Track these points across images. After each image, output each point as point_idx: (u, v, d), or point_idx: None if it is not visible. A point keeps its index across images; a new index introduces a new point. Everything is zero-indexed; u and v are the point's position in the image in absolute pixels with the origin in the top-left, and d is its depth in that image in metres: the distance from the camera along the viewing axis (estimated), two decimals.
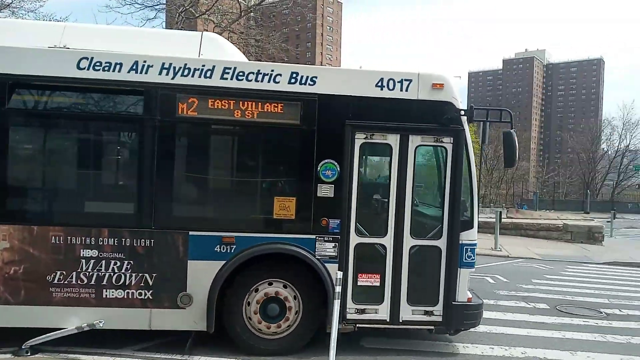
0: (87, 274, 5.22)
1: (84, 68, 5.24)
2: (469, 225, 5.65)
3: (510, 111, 5.77)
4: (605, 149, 77.09)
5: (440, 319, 5.63)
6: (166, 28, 22.06)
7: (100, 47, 5.54)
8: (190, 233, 5.31)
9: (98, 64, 5.26)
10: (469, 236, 5.63)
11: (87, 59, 5.25)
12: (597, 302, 9.17)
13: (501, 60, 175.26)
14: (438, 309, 5.62)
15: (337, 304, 4.92)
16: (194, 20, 24.49)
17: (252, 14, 26.69)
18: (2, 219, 5.15)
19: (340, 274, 5.03)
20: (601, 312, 8.36)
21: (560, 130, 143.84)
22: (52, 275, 5.19)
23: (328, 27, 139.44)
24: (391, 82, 5.53)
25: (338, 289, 4.94)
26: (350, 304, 5.54)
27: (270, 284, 5.54)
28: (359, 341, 6.00)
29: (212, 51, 5.84)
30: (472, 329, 6.11)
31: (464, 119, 5.59)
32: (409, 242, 5.57)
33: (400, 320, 5.61)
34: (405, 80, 5.54)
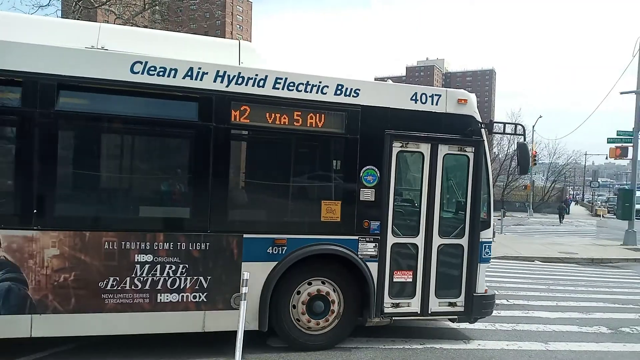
0: (142, 279, 5.20)
1: (138, 72, 5.21)
2: (486, 225, 6.38)
3: (523, 125, 6.62)
4: (496, 153, 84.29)
5: (462, 309, 6.30)
6: (62, 17, 20.79)
7: (136, 50, 5.50)
8: (245, 236, 5.49)
9: (152, 68, 5.25)
10: (486, 235, 6.37)
11: (141, 63, 5.23)
12: None
13: (404, 67, 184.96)
14: (460, 300, 6.29)
15: (243, 305, 4.88)
16: (93, 10, 23.30)
17: (157, 7, 25.83)
18: (52, 225, 4.97)
19: (247, 274, 5.02)
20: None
21: None
22: (105, 282, 5.11)
23: (238, 26, 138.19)
24: (424, 96, 6.10)
25: (244, 290, 4.93)
26: (387, 299, 6.03)
27: (322, 282, 5.87)
28: (265, 340, 6.02)
29: (251, 60, 6.01)
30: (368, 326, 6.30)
31: (484, 131, 6.32)
32: (437, 241, 6.18)
33: (429, 312, 6.20)
34: (436, 95, 6.15)
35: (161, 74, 5.27)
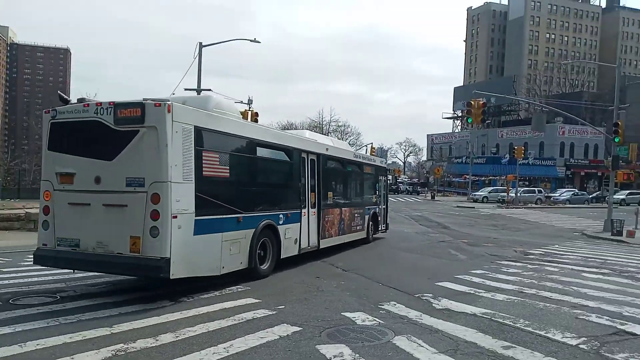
0: (351, 221, 16.63)
1: (356, 157, 16.77)
2: (385, 203, 20.47)
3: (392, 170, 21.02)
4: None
5: (386, 230, 20.19)
6: None
7: (340, 148, 16.71)
8: (365, 207, 17.71)
9: (358, 155, 16.83)
10: (384, 205, 20.43)
11: (355, 154, 16.82)
12: (54, 287, 9.23)
13: None
14: (385, 226, 20.18)
15: None
16: None
17: None
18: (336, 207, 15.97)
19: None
20: (57, 297, 8.38)
21: (27, 116, 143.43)
22: (347, 223, 16.37)
23: None
24: (382, 161, 20.06)
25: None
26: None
27: None
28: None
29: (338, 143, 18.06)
30: None
31: (387, 170, 20.61)
32: (377, 208, 19.84)
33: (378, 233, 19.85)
34: (383, 159, 20.20)
35: (359, 158, 16.98)
